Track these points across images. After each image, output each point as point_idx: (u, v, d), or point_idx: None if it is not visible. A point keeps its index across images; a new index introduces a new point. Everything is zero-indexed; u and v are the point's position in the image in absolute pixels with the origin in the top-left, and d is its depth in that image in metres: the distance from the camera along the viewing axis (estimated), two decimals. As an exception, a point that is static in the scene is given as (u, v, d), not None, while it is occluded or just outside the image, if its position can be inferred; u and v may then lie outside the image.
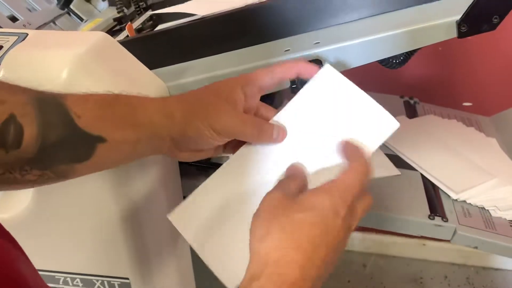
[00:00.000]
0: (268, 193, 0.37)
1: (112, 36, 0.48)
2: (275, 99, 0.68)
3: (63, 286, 0.56)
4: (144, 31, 0.65)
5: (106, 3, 0.77)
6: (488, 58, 1.06)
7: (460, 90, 1.11)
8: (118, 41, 0.50)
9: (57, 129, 0.34)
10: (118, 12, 0.68)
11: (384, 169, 0.68)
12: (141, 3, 0.73)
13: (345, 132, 0.41)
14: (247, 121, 0.41)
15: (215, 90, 0.41)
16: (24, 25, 0.64)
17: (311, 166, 0.41)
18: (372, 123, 0.41)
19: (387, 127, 0.41)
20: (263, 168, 0.42)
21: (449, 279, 1.31)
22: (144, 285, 0.55)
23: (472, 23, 0.47)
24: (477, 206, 0.64)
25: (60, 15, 0.72)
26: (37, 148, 0.33)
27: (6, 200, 0.52)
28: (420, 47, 0.51)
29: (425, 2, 0.47)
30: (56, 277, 0.56)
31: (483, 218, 0.63)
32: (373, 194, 0.39)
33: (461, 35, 0.47)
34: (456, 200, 0.65)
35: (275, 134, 0.42)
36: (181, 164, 0.58)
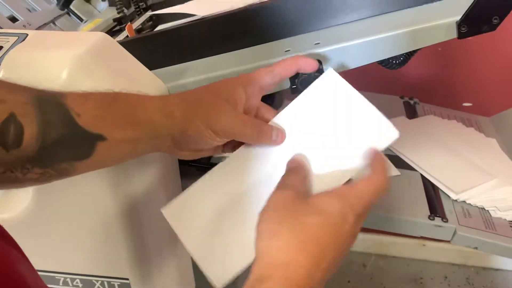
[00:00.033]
0: (279, 192, 0.37)
1: (112, 36, 0.48)
2: (275, 99, 0.68)
3: (63, 286, 0.56)
4: (144, 32, 0.65)
5: (106, 4, 0.77)
6: (488, 58, 1.06)
7: (460, 91, 1.11)
8: (118, 41, 0.50)
9: (57, 128, 0.34)
10: (118, 13, 0.68)
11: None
12: (141, 4, 0.73)
13: (343, 137, 0.41)
14: (247, 122, 0.41)
15: (216, 90, 0.41)
16: (24, 26, 0.64)
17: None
18: (372, 130, 0.41)
19: (386, 136, 0.40)
20: (261, 169, 0.42)
21: (449, 280, 1.31)
22: (144, 286, 0.55)
23: (472, 23, 0.47)
24: (477, 206, 0.64)
25: (60, 15, 0.72)
26: (38, 147, 0.33)
27: (6, 200, 0.52)
28: (420, 47, 0.51)
29: (425, 3, 0.47)
30: (56, 277, 0.56)
31: (483, 219, 0.63)
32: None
33: (461, 35, 0.48)
34: (456, 200, 0.65)
35: (274, 136, 0.42)
36: (181, 164, 0.58)
